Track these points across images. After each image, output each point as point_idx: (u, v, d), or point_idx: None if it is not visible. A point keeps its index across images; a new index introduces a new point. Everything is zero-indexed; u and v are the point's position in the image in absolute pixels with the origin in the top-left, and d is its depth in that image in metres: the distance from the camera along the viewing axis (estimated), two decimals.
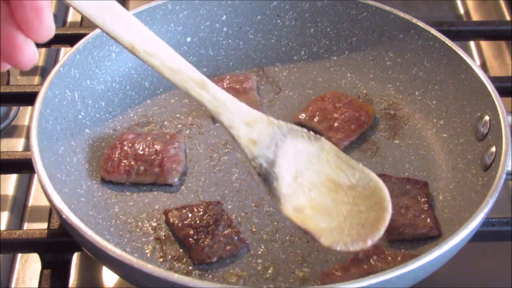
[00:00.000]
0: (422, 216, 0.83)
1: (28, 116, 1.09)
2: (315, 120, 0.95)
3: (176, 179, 0.88)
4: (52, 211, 0.88)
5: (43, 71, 1.17)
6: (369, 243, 0.68)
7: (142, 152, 0.89)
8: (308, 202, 0.71)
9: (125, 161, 0.88)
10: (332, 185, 0.72)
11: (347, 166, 0.73)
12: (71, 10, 1.32)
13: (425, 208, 0.84)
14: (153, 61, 0.69)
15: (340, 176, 0.72)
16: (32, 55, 0.61)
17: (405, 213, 0.84)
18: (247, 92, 1.00)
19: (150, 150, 0.89)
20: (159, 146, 0.89)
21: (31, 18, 0.59)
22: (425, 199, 0.85)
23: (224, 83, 1.00)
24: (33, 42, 0.62)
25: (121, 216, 0.85)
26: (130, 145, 0.89)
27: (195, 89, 0.70)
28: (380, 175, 0.84)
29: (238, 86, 1.00)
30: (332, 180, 0.72)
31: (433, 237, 0.82)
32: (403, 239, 0.82)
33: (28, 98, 0.98)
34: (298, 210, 0.70)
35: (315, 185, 0.72)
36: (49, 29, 0.60)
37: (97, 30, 0.96)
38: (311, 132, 0.74)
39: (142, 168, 0.88)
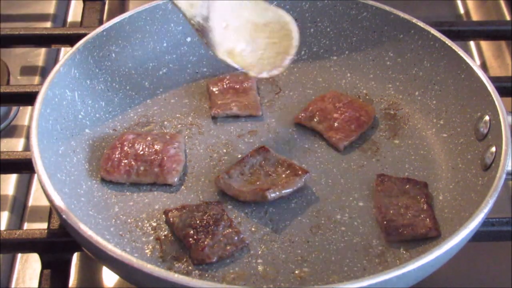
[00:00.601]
0: (422, 216, 0.83)
1: (28, 116, 1.09)
2: (315, 120, 0.95)
3: (176, 179, 0.88)
4: (52, 211, 0.88)
5: (43, 71, 1.17)
6: (285, 64, 0.90)
7: (142, 152, 0.89)
8: (235, 44, 0.89)
9: (125, 161, 0.88)
10: (251, 25, 0.90)
11: (262, 8, 0.91)
12: (71, 10, 1.32)
13: (425, 208, 0.84)
14: None
15: (257, 17, 0.91)
16: None
17: (404, 213, 0.84)
18: (247, 92, 1.00)
19: (150, 150, 0.89)
20: (159, 146, 0.89)
21: None
22: (425, 199, 0.85)
23: (224, 83, 1.00)
24: None
25: (121, 216, 0.85)
26: (130, 145, 0.89)
27: None
28: (379, 175, 0.85)
29: (238, 86, 1.00)
30: (251, 22, 0.90)
31: (433, 238, 0.82)
32: (402, 240, 0.82)
33: (28, 98, 0.98)
34: (229, 52, 0.88)
35: (239, 28, 0.89)
36: None
37: (97, 30, 0.96)
38: None
39: (142, 168, 0.88)
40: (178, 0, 0.85)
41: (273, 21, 0.91)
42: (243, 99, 0.99)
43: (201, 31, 0.86)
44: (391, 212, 0.84)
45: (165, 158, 0.88)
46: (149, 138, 0.90)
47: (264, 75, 0.88)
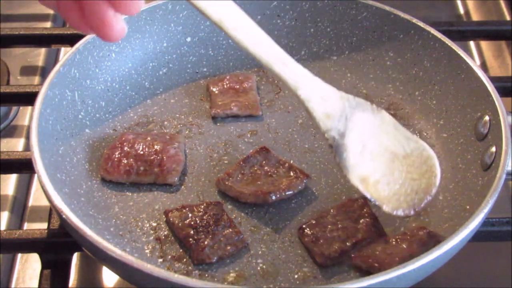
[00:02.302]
0: (337, 244, 0.79)
1: (28, 116, 1.09)
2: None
3: (176, 179, 0.88)
4: (52, 211, 0.88)
5: (43, 71, 1.17)
6: (423, 205, 0.78)
7: (142, 152, 0.89)
8: (370, 172, 0.77)
9: (125, 161, 0.88)
10: (390, 155, 0.78)
11: (403, 137, 0.79)
12: None
13: (347, 244, 0.79)
14: (239, 37, 0.71)
15: (397, 147, 0.79)
16: (120, 30, 0.63)
17: (331, 229, 0.81)
18: (247, 92, 1.00)
19: (150, 150, 0.89)
20: (159, 146, 0.89)
21: None
22: (357, 240, 0.80)
23: (224, 83, 1.00)
24: (122, 17, 0.62)
25: (121, 216, 0.85)
26: (130, 145, 0.89)
27: (277, 65, 0.74)
28: (361, 198, 0.83)
29: (238, 86, 1.00)
30: (390, 150, 0.78)
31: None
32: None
33: (28, 98, 0.98)
34: (363, 179, 0.77)
35: (376, 155, 0.78)
36: (138, 4, 0.61)
37: None
38: (374, 105, 0.79)
39: (142, 168, 0.88)
40: (314, 109, 0.75)
41: (415, 154, 0.79)
42: (243, 99, 0.99)
43: (335, 148, 0.76)
44: (325, 219, 0.82)
45: (165, 158, 0.88)
46: (149, 138, 0.90)
47: (399, 213, 0.78)
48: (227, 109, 0.97)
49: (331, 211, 0.83)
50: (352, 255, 0.79)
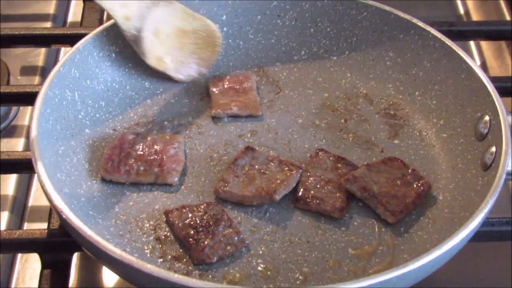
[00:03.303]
0: (337, 194, 0.85)
1: (28, 116, 1.09)
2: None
3: (175, 179, 0.88)
4: (52, 211, 0.88)
5: (43, 71, 1.17)
6: (206, 68, 1.01)
7: (142, 152, 0.89)
8: (165, 50, 0.97)
9: (125, 161, 0.88)
10: (180, 32, 0.98)
11: (191, 17, 0.99)
12: (71, 10, 1.32)
13: (343, 188, 0.86)
14: None
15: (186, 25, 0.99)
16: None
17: (321, 186, 0.86)
18: (247, 92, 1.00)
19: (150, 150, 0.89)
20: (159, 146, 0.89)
21: None
22: (348, 180, 0.87)
23: (224, 83, 1.00)
24: None
25: (121, 216, 0.85)
26: (130, 145, 0.89)
27: None
28: (319, 149, 0.91)
29: (238, 86, 1.00)
30: (181, 29, 0.98)
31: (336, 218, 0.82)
32: (307, 210, 0.85)
33: (28, 98, 0.98)
34: (158, 58, 0.97)
35: (169, 35, 0.97)
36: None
37: (97, 30, 0.96)
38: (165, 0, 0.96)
39: (142, 168, 0.88)
40: (114, 15, 0.92)
41: (201, 29, 0.99)
42: (243, 99, 0.99)
43: (135, 42, 0.94)
44: (310, 181, 0.87)
45: (164, 158, 0.88)
46: (149, 138, 0.90)
47: (185, 79, 1.00)
48: (227, 109, 0.97)
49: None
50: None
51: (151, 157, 0.88)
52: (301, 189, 0.86)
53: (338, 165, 0.89)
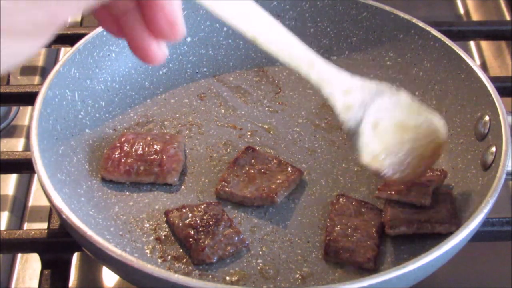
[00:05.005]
0: (368, 242, 0.80)
1: (28, 116, 1.09)
2: None
3: (175, 179, 0.88)
4: (52, 211, 0.88)
5: (43, 71, 1.17)
6: (422, 172, 0.83)
7: (142, 152, 0.89)
8: (382, 147, 0.80)
9: (125, 160, 0.88)
10: (401, 127, 0.80)
11: (416, 111, 0.81)
12: None
13: (374, 235, 0.81)
14: (272, 49, 0.73)
15: (408, 120, 0.81)
16: (162, 55, 0.63)
17: (350, 234, 0.81)
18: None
19: (150, 150, 0.89)
20: (158, 146, 0.89)
21: (166, 30, 0.60)
22: (377, 226, 0.83)
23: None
24: (164, 44, 0.63)
25: (121, 216, 0.85)
26: (130, 145, 0.89)
27: (304, 67, 0.76)
28: (339, 195, 0.86)
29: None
30: (402, 123, 0.80)
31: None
32: (339, 262, 0.80)
33: (28, 98, 0.98)
34: (375, 157, 0.79)
35: (387, 129, 0.80)
36: (182, 34, 0.61)
37: (97, 30, 0.96)
38: (393, 90, 0.80)
39: (142, 168, 0.88)
40: (335, 102, 0.77)
41: (425, 126, 0.81)
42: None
43: (350, 135, 0.78)
44: (337, 230, 0.81)
45: (164, 158, 0.88)
46: (149, 138, 0.90)
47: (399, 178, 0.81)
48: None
49: None
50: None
51: (151, 157, 0.88)
52: (330, 240, 0.81)
53: (362, 209, 0.84)
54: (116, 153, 0.88)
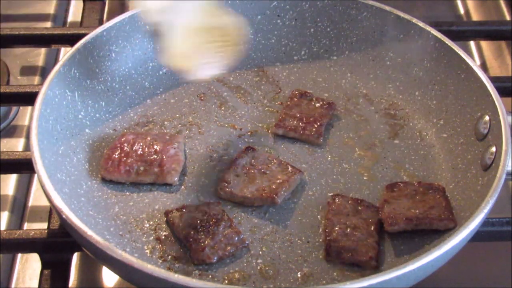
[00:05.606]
0: (368, 241, 0.81)
1: (28, 116, 1.09)
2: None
3: (175, 179, 0.88)
4: (52, 211, 0.88)
5: (43, 71, 1.17)
6: (224, 68, 0.88)
7: (142, 152, 0.89)
8: (189, 47, 0.86)
9: (125, 160, 0.88)
10: (208, 29, 0.87)
11: (216, 10, 0.88)
12: (71, 10, 1.32)
13: (373, 233, 0.82)
14: None
15: (215, 21, 0.88)
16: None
17: (350, 233, 0.81)
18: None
19: (150, 150, 0.89)
20: (158, 146, 0.89)
21: None
22: (376, 224, 0.83)
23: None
24: None
25: (121, 216, 0.85)
26: (130, 145, 0.89)
27: None
28: (334, 195, 0.86)
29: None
30: (208, 25, 0.88)
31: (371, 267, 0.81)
32: (342, 262, 0.80)
33: (28, 98, 0.98)
34: (182, 56, 0.85)
35: (196, 31, 0.86)
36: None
37: (97, 30, 0.96)
38: None
39: (142, 168, 0.88)
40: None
41: (228, 26, 0.89)
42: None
43: (156, 34, 0.84)
44: (336, 230, 0.82)
45: (164, 158, 0.88)
46: (149, 138, 0.90)
47: (204, 76, 0.89)
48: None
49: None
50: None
51: (151, 157, 0.88)
52: (330, 241, 0.81)
53: (359, 208, 0.85)
54: (116, 153, 0.88)
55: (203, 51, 0.87)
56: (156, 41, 0.85)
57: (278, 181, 0.86)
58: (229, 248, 0.80)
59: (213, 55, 0.87)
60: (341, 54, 1.06)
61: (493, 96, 0.88)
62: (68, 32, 1.12)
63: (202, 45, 0.87)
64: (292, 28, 1.07)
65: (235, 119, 0.98)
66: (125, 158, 0.88)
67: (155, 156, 0.88)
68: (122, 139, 0.90)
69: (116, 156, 0.88)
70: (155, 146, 0.89)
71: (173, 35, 0.84)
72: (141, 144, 0.90)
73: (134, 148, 0.89)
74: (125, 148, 0.89)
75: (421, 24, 1.00)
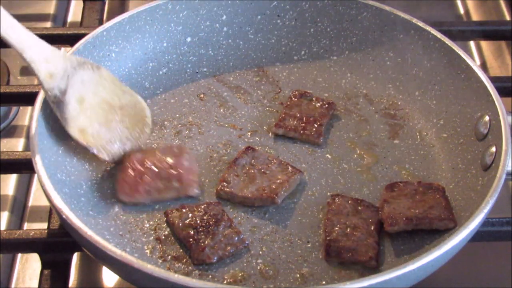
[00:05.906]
0: (368, 240, 0.81)
1: (28, 116, 1.09)
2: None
3: (196, 190, 0.86)
4: (52, 211, 0.88)
5: None
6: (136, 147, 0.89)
7: (156, 169, 0.86)
8: (89, 123, 0.86)
9: (141, 180, 0.85)
10: (106, 106, 0.88)
11: (120, 90, 0.89)
12: (71, 10, 1.32)
13: (373, 233, 0.82)
14: None
15: (114, 99, 0.88)
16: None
17: (350, 233, 0.81)
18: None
19: (163, 165, 0.86)
20: (171, 161, 0.86)
21: None
22: (375, 224, 0.83)
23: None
24: None
25: (121, 216, 0.85)
26: (140, 164, 0.86)
27: (4, 29, 0.80)
28: (334, 195, 0.85)
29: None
30: (107, 102, 0.88)
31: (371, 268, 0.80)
32: (342, 262, 0.80)
33: (28, 98, 0.98)
34: (81, 130, 0.85)
35: (94, 107, 0.87)
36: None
37: (97, 30, 0.96)
38: (94, 63, 0.87)
39: (161, 185, 0.85)
40: (37, 69, 0.81)
41: (130, 105, 0.90)
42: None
43: (56, 104, 0.83)
44: (336, 230, 0.82)
45: (182, 171, 0.86)
46: (157, 154, 0.87)
47: (108, 158, 0.87)
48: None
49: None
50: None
51: (167, 172, 0.85)
52: (330, 241, 0.81)
53: (359, 208, 0.85)
54: (130, 175, 0.85)
55: (106, 130, 0.87)
56: (60, 110, 0.84)
57: (278, 181, 0.86)
58: (229, 248, 0.80)
59: (116, 135, 0.88)
60: (341, 54, 1.06)
61: (493, 96, 0.88)
62: (68, 32, 1.12)
63: (105, 124, 0.87)
64: (292, 28, 1.07)
65: (235, 119, 0.98)
66: (140, 178, 0.85)
67: (171, 171, 0.86)
68: (131, 159, 0.87)
69: (130, 178, 0.85)
70: (168, 161, 0.86)
71: (76, 106, 0.85)
72: (153, 161, 0.86)
73: (146, 166, 0.86)
74: (137, 167, 0.86)
75: (421, 24, 1.00)
